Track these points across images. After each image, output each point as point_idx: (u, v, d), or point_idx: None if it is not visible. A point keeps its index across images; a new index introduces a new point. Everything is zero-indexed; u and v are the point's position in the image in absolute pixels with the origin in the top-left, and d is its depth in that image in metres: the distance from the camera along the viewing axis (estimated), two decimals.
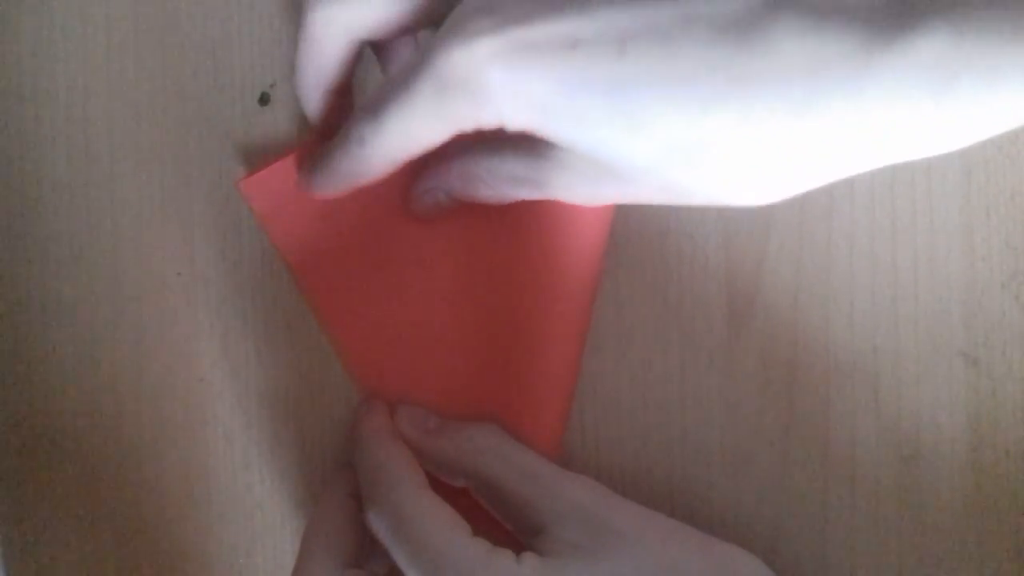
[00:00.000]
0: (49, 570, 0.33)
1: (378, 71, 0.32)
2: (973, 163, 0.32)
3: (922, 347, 0.32)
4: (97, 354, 0.33)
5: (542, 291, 0.31)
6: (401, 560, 0.27)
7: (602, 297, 0.32)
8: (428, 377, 0.32)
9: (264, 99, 0.33)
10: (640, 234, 0.32)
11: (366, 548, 0.30)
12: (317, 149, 0.30)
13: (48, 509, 0.33)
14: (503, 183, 0.28)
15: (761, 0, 0.22)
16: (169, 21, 0.33)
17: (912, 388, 0.32)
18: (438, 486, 0.30)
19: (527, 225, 0.31)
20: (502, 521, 0.29)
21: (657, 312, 0.32)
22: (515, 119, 0.24)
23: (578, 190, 0.27)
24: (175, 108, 0.33)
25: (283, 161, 0.31)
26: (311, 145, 0.31)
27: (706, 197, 0.25)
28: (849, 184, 0.32)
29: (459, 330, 0.32)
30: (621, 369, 0.32)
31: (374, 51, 0.31)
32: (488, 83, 0.24)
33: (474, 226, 0.32)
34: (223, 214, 0.33)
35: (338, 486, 0.31)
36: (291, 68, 0.32)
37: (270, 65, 0.33)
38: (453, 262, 0.32)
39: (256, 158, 0.33)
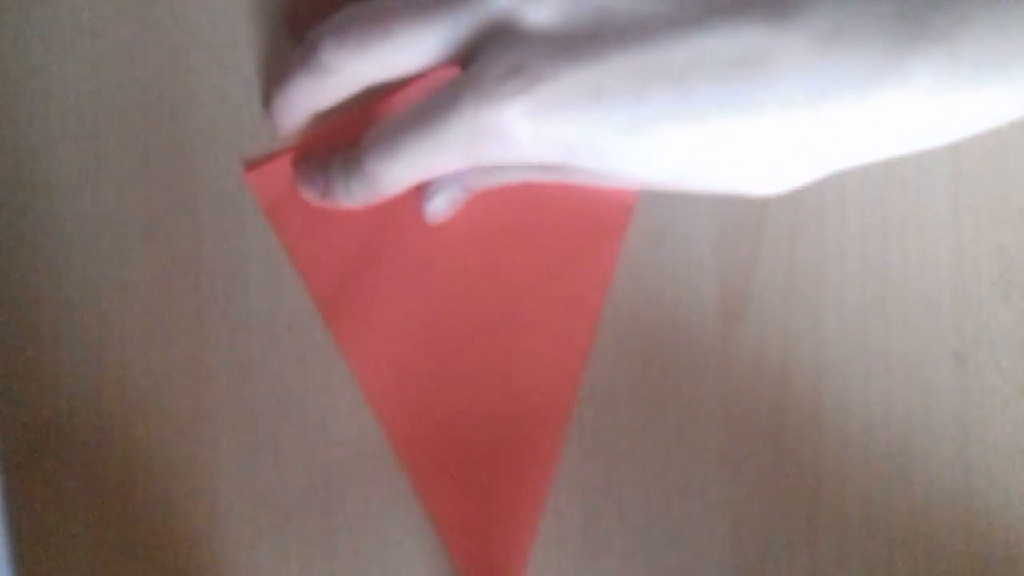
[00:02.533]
0: (58, 567, 0.33)
1: None
2: (963, 164, 0.32)
3: (912, 346, 0.32)
4: (103, 353, 0.33)
5: (551, 291, 0.31)
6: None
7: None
8: (432, 373, 0.32)
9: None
10: (634, 235, 0.32)
11: None
12: (316, 174, 0.31)
13: (56, 507, 0.33)
14: (525, 172, 0.29)
15: (766, 37, 0.24)
16: (178, 24, 0.33)
17: (902, 387, 0.32)
18: None
19: (539, 221, 0.31)
20: None
21: (651, 312, 0.32)
22: (541, 158, 0.26)
23: (600, 183, 0.28)
24: (183, 108, 0.33)
25: (290, 153, 0.31)
26: (316, 141, 0.31)
27: (722, 189, 0.26)
28: (840, 185, 0.32)
29: (464, 328, 0.32)
30: (616, 367, 0.32)
31: None
32: (517, 135, 0.25)
33: (483, 223, 0.32)
34: (230, 212, 0.33)
35: None
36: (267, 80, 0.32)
37: (277, 68, 0.32)
38: (461, 261, 0.32)
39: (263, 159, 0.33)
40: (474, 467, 0.32)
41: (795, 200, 0.32)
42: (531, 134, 0.25)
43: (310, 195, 0.31)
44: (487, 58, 0.25)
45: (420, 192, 0.31)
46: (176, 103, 0.33)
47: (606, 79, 0.24)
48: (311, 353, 0.33)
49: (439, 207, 0.31)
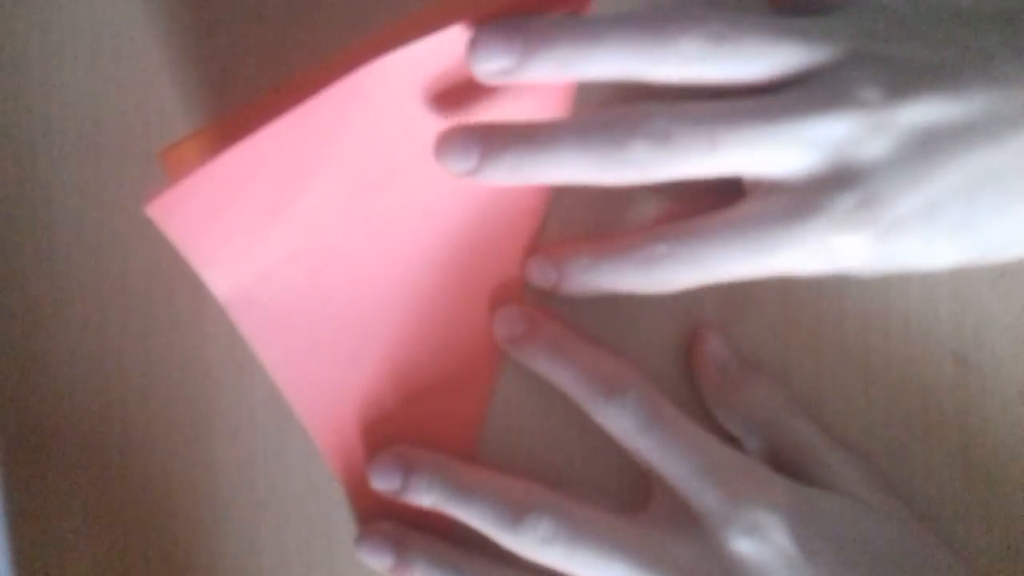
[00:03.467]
0: (57, 569, 0.33)
1: None
2: None
3: (912, 345, 0.32)
4: (103, 353, 0.33)
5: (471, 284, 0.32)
6: (654, 451, 0.29)
7: (598, 298, 0.32)
8: (347, 364, 0.32)
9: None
10: None
11: None
12: (547, 264, 0.31)
13: (55, 510, 0.33)
14: None
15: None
16: (175, 24, 0.33)
17: (902, 386, 0.32)
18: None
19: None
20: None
21: (651, 313, 0.32)
22: (860, 269, 0.28)
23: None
24: (183, 108, 0.33)
25: (198, 174, 0.28)
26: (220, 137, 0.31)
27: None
28: None
29: (394, 337, 0.32)
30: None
31: None
32: (859, 256, 0.28)
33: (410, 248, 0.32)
34: None
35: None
36: (297, 67, 0.32)
37: (279, 65, 0.33)
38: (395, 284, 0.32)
39: None
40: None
41: None
42: (872, 255, 0.28)
43: (539, 283, 0.32)
44: (832, 190, 0.27)
45: (332, 193, 0.31)
46: (175, 102, 0.33)
47: (940, 194, 0.27)
48: None
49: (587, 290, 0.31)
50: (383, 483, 0.31)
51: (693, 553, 0.29)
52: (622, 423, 0.30)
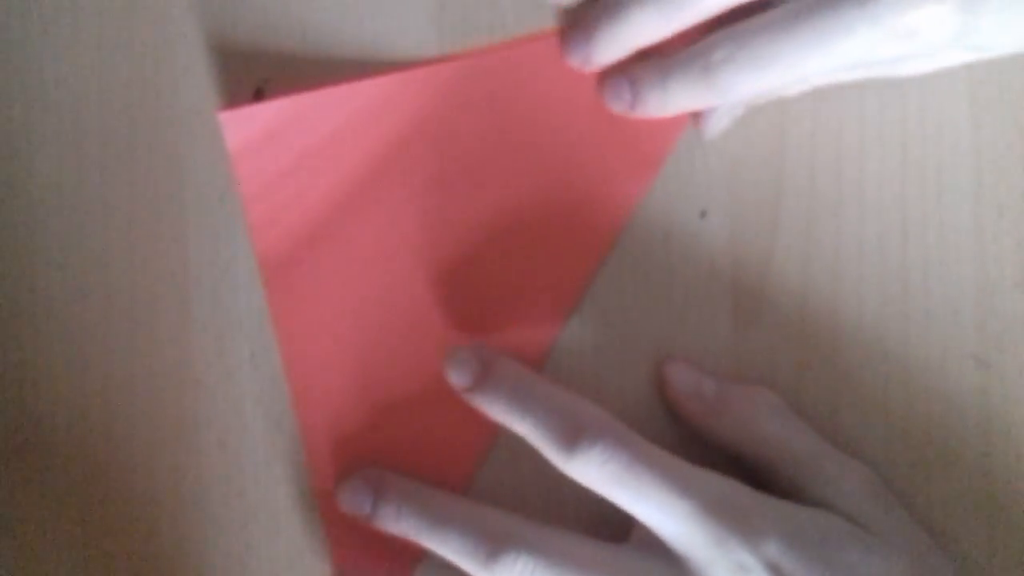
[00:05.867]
0: None
1: None
2: (984, 162, 0.32)
3: (932, 350, 0.32)
4: (88, 358, 0.33)
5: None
6: (630, 504, 0.28)
7: (606, 299, 0.32)
8: (360, 364, 0.32)
9: (259, 95, 0.33)
10: (644, 235, 0.32)
11: None
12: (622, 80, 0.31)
13: (39, 516, 0.33)
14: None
15: None
16: (162, 15, 0.33)
17: (922, 392, 0.32)
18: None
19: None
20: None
21: (662, 314, 0.32)
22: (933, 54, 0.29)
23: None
24: (168, 106, 0.33)
25: (274, 102, 0.31)
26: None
27: None
28: (858, 183, 0.32)
29: (409, 324, 0.32)
30: (626, 371, 0.32)
31: None
32: (931, 29, 0.27)
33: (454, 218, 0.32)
34: (216, 215, 0.33)
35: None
36: (287, 61, 0.32)
37: (265, 60, 0.32)
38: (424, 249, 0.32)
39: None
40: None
41: (811, 198, 0.32)
42: (955, 29, 0.27)
43: (616, 105, 0.31)
44: None
45: (390, 177, 0.32)
46: (161, 104, 0.33)
47: None
48: None
49: (721, 126, 0.32)
50: (351, 505, 0.31)
51: None
52: (590, 473, 0.29)
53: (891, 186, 0.32)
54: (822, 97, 0.31)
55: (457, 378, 0.30)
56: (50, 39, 0.33)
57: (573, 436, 0.28)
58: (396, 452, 0.32)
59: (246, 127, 0.31)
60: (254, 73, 0.32)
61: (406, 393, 0.32)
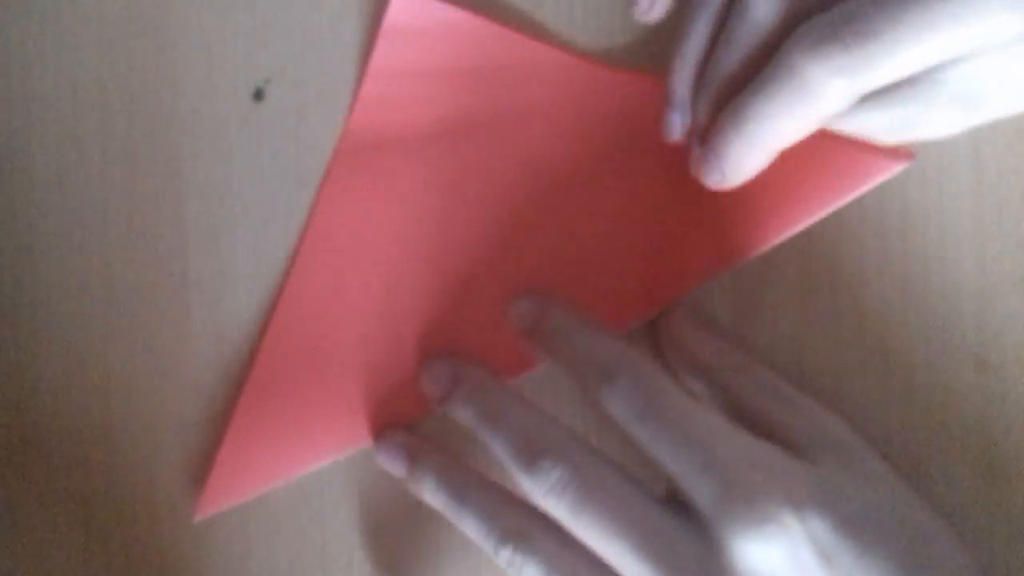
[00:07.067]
0: None
1: None
2: (984, 161, 0.31)
3: (932, 349, 0.32)
4: (87, 357, 0.33)
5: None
6: (662, 443, 0.28)
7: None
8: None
9: (259, 95, 0.33)
10: None
11: None
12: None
13: (37, 516, 0.33)
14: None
15: None
16: (161, 16, 0.33)
17: (922, 392, 0.32)
18: None
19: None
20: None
21: (659, 315, 0.32)
22: None
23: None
24: (168, 105, 0.33)
25: (448, 6, 0.31)
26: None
27: None
28: None
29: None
30: None
31: None
32: None
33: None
34: (216, 213, 0.33)
35: None
36: (288, 61, 0.32)
37: (265, 60, 0.32)
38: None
39: (250, 156, 0.32)
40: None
41: None
42: None
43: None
44: None
45: (491, 143, 0.31)
46: (161, 104, 0.33)
47: None
48: None
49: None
50: (431, 388, 0.32)
51: (694, 553, 0.27)
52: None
53: (891, 186, 0.31)
54: None
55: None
56: (50, 39, 0.33)
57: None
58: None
59: (410, 12, 0.31)
60: (254, 73, 0.32)
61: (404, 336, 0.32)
